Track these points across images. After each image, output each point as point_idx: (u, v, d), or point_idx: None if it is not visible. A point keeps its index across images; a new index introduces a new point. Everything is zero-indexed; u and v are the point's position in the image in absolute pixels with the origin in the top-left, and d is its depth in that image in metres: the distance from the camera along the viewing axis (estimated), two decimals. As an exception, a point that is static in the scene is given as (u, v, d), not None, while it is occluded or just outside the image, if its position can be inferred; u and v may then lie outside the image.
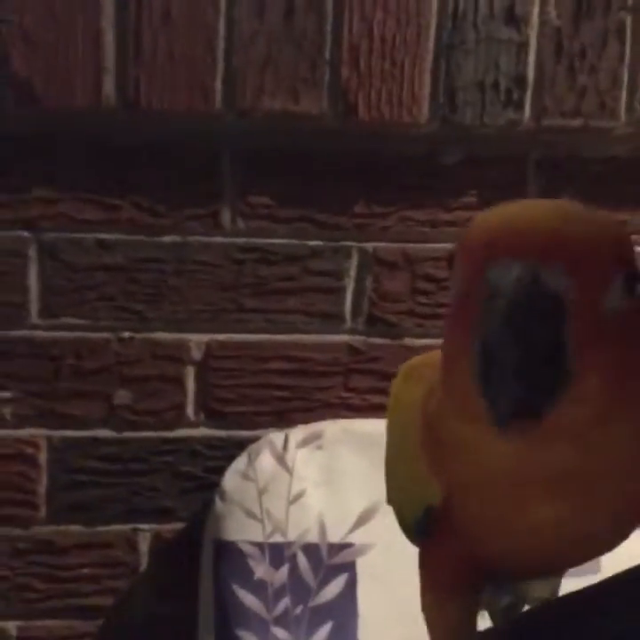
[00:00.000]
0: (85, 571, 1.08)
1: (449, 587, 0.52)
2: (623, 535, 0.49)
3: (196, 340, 1.07)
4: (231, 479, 1.05)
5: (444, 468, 0.48)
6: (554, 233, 0.41)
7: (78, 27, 1.00)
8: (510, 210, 0.44)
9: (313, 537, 1.04)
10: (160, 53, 1.01)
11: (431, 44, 1.05)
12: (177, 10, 1.01)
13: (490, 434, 0.42)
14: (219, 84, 1.02)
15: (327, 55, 1.03)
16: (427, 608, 0.54)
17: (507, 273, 0.40)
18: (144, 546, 1.09)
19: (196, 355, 1.07)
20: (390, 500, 0.56)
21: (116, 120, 1.03)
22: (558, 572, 0.57)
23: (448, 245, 1.06)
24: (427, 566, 0.53)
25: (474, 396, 0.41)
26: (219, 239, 1.06)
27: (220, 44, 1.02)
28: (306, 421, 1.07)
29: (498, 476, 0.45)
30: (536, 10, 1.05)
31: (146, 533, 1.09)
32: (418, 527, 0.52)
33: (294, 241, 1.07)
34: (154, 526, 1.09)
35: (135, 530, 1.08)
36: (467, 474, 0.47)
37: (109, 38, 1.01)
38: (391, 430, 0.55)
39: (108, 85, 1.01)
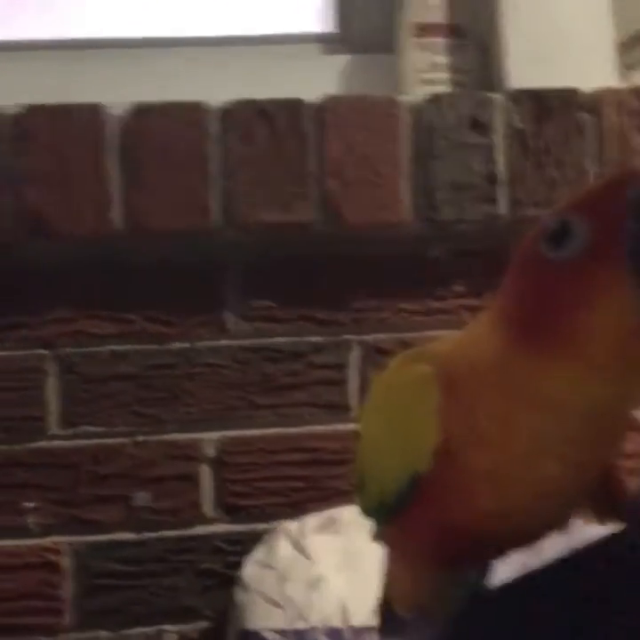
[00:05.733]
0: (112, 679, 1.08)
1: (427, 558, 0.54)
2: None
3: (209, 439, 1.12)
4: (250, 569, 1.06)
5: (463, 427, 0.50)
6: None
7: (85, 165, 1.13)
8: None
9: (336, 621, 1.03)
10: (161, 182, 1.13)
11: (406, 153, 1.15)
12: (174, 142, 1.13)
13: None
14: (216, 204, 1.13)
15: (312, 170, 1.14)
16: (396, 585, 0.56)
17: None
18: (169, 648, 1.09)
19: (210, 452, 1.11)
20: (362, 487, 0.58)
21: (123, 242, 1.13)
22: (535, 540, 0.57)
23: (442, 331, 1.12)
24: (403, 540, 0.54)
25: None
26: (225, 342, 1.13)
27: (215, 169, 1.14)
28: (321, 509, 1.09)
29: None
30: (499, 114, 1.16)
31: (171, 634, 1.09)
32: (399, 500, 0.53)
33: (296, 338, 1.14)
34: (179, 627, 1.09)
35: (160, 632, 1.09)
36: (496, 429, 0.49)
37: (115, 172, 1.13)
38: (382, 409, 0.56)
39: (115, 212, 1.12)
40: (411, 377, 0.53)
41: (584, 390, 0.46)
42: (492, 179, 1.16)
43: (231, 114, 1.15)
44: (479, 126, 1.17)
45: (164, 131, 1.14)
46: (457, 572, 0.56)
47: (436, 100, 1.16)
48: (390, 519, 0.55)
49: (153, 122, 1.14)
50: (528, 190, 1.16)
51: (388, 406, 0.55)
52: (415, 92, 1.21)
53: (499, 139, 1.17)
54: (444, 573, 0.55)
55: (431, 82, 1.22)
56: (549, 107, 1.16)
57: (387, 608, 0.58)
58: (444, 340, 0.54)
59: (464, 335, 0.53)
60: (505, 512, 0.50)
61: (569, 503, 0.51)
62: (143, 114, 1.14)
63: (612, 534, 0.51)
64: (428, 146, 1.16)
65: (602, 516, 0.52)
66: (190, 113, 1.15)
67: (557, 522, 0.53)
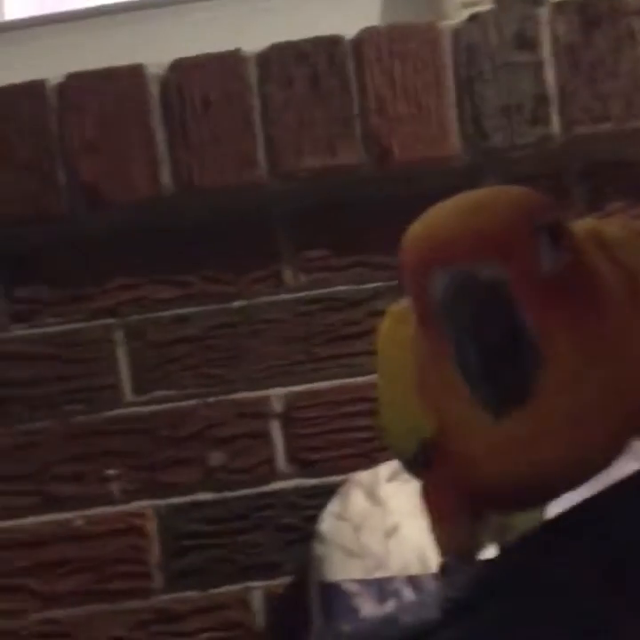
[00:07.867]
0: (205, 635, 1.11)
1: (450, 512, 0.54)
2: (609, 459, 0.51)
3: (277, 394, 1.12)
4: (327, 521, 1.07)
5: (435, 407, 0.50)
6: (472, 233, 0.44)
7: (131, 129, 1.12)
8: (430, 222, 0.48)
9: (415, 569, 1.04)
10: (205, 138, 1.11)
11: (451, 81, 1.11)
12: (214, 95, 1.12)
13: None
14: (261, 154, 1.11)
15: (355, 109, 1.11)
16: (433, 534, 0.56)
17: (445, 283, 0.44)
18: (257, 603, 1.11)
19: (278, 408, 1.12)
20: (387, 437, 0.58)
21: (175, 205, 1.12)
22: (577, 485, 0.56)
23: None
24: (429, 495, 0.55)
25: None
26: (284, 296, 1.13)
27: (257, 118, 1.12)
28: (392, 458, 1.09)
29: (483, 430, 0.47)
30: (545, 29, 1.11)
31: (257, 591, 1.11)
32: (415, 459, 0.54)
33: (354, 286, 1.12)
34: (264, 583, 1.11)
35: (247, 588, 1.11)
36: (456, 416, 0.49)
37: (160, 133, 1.12)
38: (384, 367, 0.56)
39: (165, 175, 1.11)
40: (397, 341, 0.52)
41: None
42: (542, 98, 1.11)
43: (268, 59, 1.12)
44: (525, 43, 1.11)
45: (203, 84, 1.12)
46: (488, 519, 0.56)
47: (476, 19, 1.11)
48: (415, 473, 0.55)
49: (192, 76, 1.12)
50: (581, 107, 1.10)
51: (388, 366, 0.54)
52: (457, 17, 1.15)
53: (547, 55, 1.11)
54: (473, 522, 0.55)
55: (473, 4, 1.16)
56: (597, 15, 1.10)
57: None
58: None
59: None
60: (521, 479, 0.49)
61: (603, 452, 0.50)
62: (181, 69, 1.12)
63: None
64: (472, 70, 1.11)
65: None
66: (228, 63, 1.12)
67: (597, 467, 0.51)
